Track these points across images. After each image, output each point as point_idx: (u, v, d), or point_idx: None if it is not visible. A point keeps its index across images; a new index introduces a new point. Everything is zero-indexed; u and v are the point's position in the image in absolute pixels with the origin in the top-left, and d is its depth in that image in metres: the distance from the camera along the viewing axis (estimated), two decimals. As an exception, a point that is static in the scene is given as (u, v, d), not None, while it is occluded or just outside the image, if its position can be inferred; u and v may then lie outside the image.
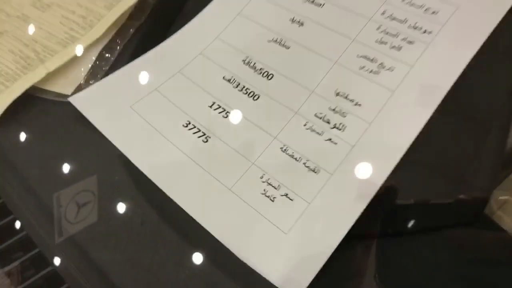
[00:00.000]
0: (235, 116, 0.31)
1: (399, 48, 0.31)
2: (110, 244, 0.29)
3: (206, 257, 0.27)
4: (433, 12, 0.32)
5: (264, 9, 0.36)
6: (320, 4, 0.35)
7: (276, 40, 0.34)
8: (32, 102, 0.33)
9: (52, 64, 0.34)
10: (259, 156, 0.29)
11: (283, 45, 0.34)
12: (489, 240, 0.28)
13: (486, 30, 0.30)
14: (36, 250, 0.29)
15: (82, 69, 0.34)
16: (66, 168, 0.31)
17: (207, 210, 0.28)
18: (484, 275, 0.26)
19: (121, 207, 0.30)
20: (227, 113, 0.32)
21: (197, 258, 0.28)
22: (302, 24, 0.35)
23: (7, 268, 0.28)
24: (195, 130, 0.31)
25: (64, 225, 0.29)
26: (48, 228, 0.29)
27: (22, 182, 0.31)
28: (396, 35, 0.32)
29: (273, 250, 0.26)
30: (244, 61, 0.34)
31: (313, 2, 0.36)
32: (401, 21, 0.32)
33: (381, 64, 0.31)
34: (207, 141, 0.31)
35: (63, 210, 0.29)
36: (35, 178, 0.31)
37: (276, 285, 0.25)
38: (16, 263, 0.28)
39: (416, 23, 0.32)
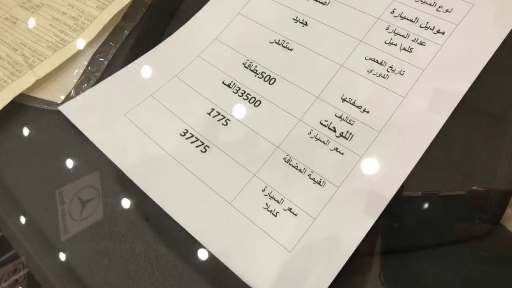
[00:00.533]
0: (236, 124, 0.29)
1: (410, 50, 0.29)
2: (114, 241, 0.27)
3: (210, 253, 0.26)
4: (447, 11, 0.30)
5: (266, 8, 0.34)
6: (325, 2, 0.33)
7: (278, 42, 0.32)
8: (19, 111, 0.32)
9: (42, 70, 0.32)
10: (261, 167, 0.27)
11: (286, 47, 0.32)
12: (497, 241, 0.26)
13: (504, 29, 0.28)
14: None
15: (74, 74, 0.32)
16: (54, 183, 0.30)
17: (205, 226, 0.26)
18: (490, 276, 0.24)
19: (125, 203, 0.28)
20: (227, 121, 0.30)
21: (203, 253, 0.26)
22: (306, 23, 0.32)
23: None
24: (193, 139, 0.29)
25: (68, 223, 0.28)
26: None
27: (8, 192, 0.30)
28: (406, 36, 0.30)
29: (276, 269, 0.24)
30: (244, 64, 0.32)
31: (317, 0, 0.33)
32: (411, 21, 0.30)
33: (391, 67, 0.29)
34: (205, 151, 0.29)
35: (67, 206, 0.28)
36: (23, 190, 0.29)
37: None
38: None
39: (427, 22, 0.30)
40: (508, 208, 0.27)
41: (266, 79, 0.31)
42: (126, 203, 0.29)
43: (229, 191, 0.27)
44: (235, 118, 0.30)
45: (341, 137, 0.27)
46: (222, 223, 0.26)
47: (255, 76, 0.31)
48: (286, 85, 0.30)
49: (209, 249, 0.25)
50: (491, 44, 0.28)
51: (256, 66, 0.32)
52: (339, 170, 0.26)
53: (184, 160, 0.29)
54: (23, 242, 0.28)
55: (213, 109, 0.30)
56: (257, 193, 0.27)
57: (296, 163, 0.27)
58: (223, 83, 0.31)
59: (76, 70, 0.33)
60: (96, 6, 0.35)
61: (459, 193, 0.26)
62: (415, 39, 0.30)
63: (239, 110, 0.30)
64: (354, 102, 0.28)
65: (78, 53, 0.33)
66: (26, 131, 0.31)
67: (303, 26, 0.32)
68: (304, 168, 0.27)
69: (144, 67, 0.33)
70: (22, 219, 0.29)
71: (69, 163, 0.30)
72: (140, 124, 0.30)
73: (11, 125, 0.31)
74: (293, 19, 0.33)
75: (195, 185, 0.27)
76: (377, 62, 0.29)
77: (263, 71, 0.31)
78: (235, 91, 0.31)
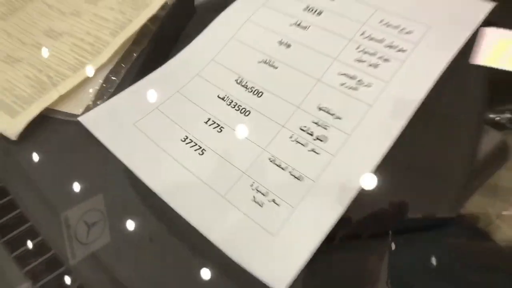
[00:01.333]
0: (228, 131, 0.34)
1: (376, 66, 0.34)
2: (121, 261, 0.31)
3: (214, 272, 0.30)
4: (407, 32, 0.35)
5: (255, 33, 0.40)
6: (306, 27, 0.39)
7: (265, 61, 0.38)
8: (45, 122, 0.37)
9: (64, 88, 0.37)
10: (249, 167, 0.32)
11: (272, 66, 0.37)
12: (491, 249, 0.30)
13: (454, 47, 0.33)
14: (51, 253, 0.32)
15: (91, 90, 0.38)
16: (76, 185, 0.35)
17: (204, 217, 0.31)
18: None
19: (130, 224, 0.33)
20: (221, 128, 0.35)
21: (206, 273, 0.30)
22: (289, 46, 0.38)
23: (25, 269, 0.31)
24: (192, 144, 0.34)
25: (75, 246, 0.32)
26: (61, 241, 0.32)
27: (37, 195, 0.35)
28: (374, 54, 0.35)
29: (262, 250, 0.29)
30: (236, 80, 0.37)
31: (299, 25, 0.39)
32: (378, 41, 0.36)
33: (360, 80, 0.34)
34: (202, 153, 0.34)
35: (73, 230, 0.33)
36: (50, 192, 0.34)
37: (265, 282, 0.27)
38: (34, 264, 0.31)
39: (392, 42, 0.35)
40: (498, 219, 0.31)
41: (254, 93, 0.36)
42: (130, 224, 0.33)
43: (223, 186, 0.32)
44: (228, 126, 0.35)
45: (317, 140, 0.32)
46: (217, 213, 0.31)
47: (245, 90, 0.36)
48: (272, 98, 0.35)
49: (206, 236, 0.30)
50: (444, 59, 0.33)
51: (246, 82, 0.37)
52: (315, 167, 0.31)
53: (185, 162, 0.33)
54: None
55: (209, 119, 0.35)
56: (246, 187, 0.31)
57: (280, 163, 0.32)
58: (218, 96, 0.37)
59: (93, 87, 0.38)
60: (110, 33, 0.41)
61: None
62: (381, 56, 0.35)
63: (232, 119, 0.35)
64: (329, 110, 0.33)
65: (95, 73, 0.39)
66: (49, 141, 0.37)
67: (286, 48, 0.38)
68: (286, 166, 0.32)
69: (150, 84, 0.39)
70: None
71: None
72: (147, 132, 0.35)
73: (40, 133, 0.36)
74: (278, 42, 0.38)
75: (194, 182, 0.32)
76: (349, 76, 0.34)
77: (252, 86, 0.36)
78: (228, 103, 0.36)
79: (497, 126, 0.40)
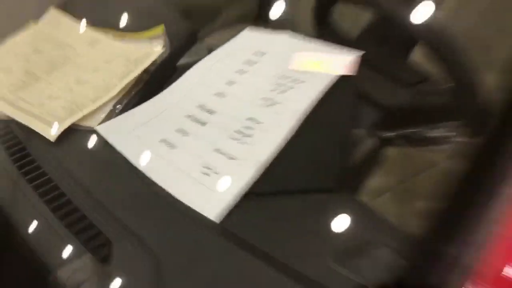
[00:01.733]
0: (191, 135, 0.55)
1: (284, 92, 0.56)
2: None
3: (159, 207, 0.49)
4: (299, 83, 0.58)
5: (202, 88, 0.62)
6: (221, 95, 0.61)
7: (216, 93, 0.59)
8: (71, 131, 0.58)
9: (87, 111, 0.58)
10: (202, 154, 0.52)
11: (221, 96, 0.59)
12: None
13: (321, 83, 0.55)
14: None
15: (104, 111, 0.59)
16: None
17: (171, 181, 0.50)
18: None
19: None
20: (186, 133, 0.55)
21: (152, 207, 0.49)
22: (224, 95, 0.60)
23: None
24: (166, 143, 0.55)
25: None
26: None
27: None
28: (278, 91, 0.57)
29: (204, 198, 0.48)
30: (197, 106, 0.59)
31: (230, 82, 0.61)
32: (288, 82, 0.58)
33: (273, 100, 0.55)
34: (172, 148, 0.54)
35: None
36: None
37: (200, 211, 0.46)
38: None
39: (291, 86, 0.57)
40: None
41: (208, 112, 0.57)
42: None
43: (185, 165, 0.51)
44: (190, 133, 0.55)
45: (245, 137, 0.53)
46: (180, 181, 0.50)
47: (202, 110, 0.57)
48: (219, 116, 0.56)
49: (169, 191, 0.49)
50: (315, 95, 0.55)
51: (204, 106, 0.58)
52: (244, 154, 0.51)
53: (161, 154, 0.53)
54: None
55: (179, 128, 0.56)
56: (199, 165, 0.51)
57: (221, 151, 0.52)
58: (184, 116, 0.58)
59: (105, 111, 0.59)
60: (117, 79, 0.63)
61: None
62: (286, 88, 0.56)
63: (192, 128, 0.56)
64: (255, 119, 0.54)
65: (107, 103, 0.60)
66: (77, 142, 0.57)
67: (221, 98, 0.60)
68: (225, 152, 0.52)
69: (144, 109, 0.60)
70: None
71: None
72: (138, 135, 0.56)
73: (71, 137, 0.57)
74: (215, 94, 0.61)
75: (167, 163, 0.52)
76: (267, 99, 0.56)
77: (208, 109, 0.58)
78: (192, 120, 0.57)
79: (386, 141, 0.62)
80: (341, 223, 0.46)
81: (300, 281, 0.40)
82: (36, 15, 0.79)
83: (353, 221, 0.46)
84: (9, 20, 0.75)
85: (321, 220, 0.46)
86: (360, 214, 0.48)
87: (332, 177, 0.50)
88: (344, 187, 0.51)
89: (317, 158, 0.52)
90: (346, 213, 0.47)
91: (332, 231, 0.46)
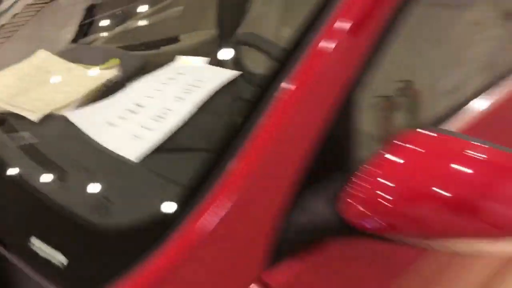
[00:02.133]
0: (127, 119, 0.86)
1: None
2: None
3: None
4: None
5: (137, 92, 0.94)
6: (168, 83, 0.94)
7: (147, 96, 0.91)
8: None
9: (60, 106, 0.89)
10: (131, 127, 0.83)
11: (150, 97, 0.91)
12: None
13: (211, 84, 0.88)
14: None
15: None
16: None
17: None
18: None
19: None
20: (123, 118, 0.86)
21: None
22: (152, 97, 0.92)
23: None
24: (108, 123, 0.85)
25: None
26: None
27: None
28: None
29: (127, 144, 0.78)
30: (133, 103, 0.90)
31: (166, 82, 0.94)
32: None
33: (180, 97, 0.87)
34: (111, 125, 0.84)
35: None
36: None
37: (122, 154, 0.76)
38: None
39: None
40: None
41: (139, 106, 0.89)
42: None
43: (114, 120, 0.82)
44: (127, 118, 0.86)
45: (162, 118, 0.84)
46: (109, 132, 0.80)
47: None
48: (146, 108, 0.88)
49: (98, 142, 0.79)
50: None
51: (137, 104, 0.90)
52: (158, 126, 0.82)
53: (101, 126, 0.84)
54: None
55: (119, 115, 0.87)
56: (126, 130, 0.81)
57: (146, 126, 0.83)
58: (124, 109, 0.89)
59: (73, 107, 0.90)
60: (87, 87, 0.95)
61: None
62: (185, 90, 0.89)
63: (128, 115, 0.87)
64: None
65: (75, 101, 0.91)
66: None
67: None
68: (148, 127, 0.82)
69: (101, 104, 0.91)
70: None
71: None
72: (92, 116, 0.87)
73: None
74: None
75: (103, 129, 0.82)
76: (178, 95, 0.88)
77: (139, 105, 0.89)
78: (128, 111, 0.88)
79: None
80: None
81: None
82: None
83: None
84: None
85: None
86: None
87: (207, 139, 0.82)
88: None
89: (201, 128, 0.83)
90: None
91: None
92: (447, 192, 0.49)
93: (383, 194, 0.53)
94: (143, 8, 1.48)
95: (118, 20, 1.43)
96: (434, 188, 0.50)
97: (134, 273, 0.53)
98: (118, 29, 1.38)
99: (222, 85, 0.88)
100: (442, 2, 0.97)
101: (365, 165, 0.57)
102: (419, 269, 0.76)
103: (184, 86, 0.92)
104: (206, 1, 1.40)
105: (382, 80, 0.70)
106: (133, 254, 0.54)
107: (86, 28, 1.36)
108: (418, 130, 0.56)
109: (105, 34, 1.35)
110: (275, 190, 0.58)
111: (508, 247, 0.53)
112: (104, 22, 1.42)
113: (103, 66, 1.05)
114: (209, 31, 1.22)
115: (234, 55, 0.99)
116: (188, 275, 0.53)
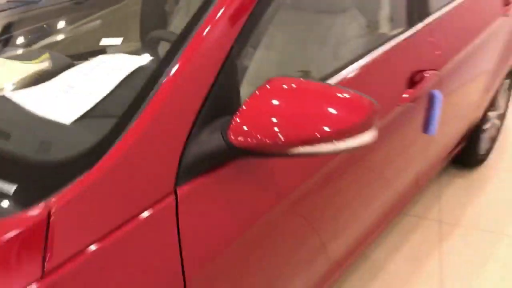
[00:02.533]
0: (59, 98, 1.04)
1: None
2: None
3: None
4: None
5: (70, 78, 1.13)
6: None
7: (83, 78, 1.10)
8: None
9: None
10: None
11: (85, 78, 1.10)
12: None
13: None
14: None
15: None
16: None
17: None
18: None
19: None
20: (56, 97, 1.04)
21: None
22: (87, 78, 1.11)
23: None
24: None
25: None
26: None
27: None
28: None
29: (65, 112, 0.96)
30: (67, 85, 1.09)
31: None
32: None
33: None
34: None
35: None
36: None
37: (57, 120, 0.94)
38: None
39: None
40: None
41: (71, 87, 1.07)
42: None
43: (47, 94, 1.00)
44: (59, 96, 1.05)
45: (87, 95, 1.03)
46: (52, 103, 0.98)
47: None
48: (75, 89, 1.07)
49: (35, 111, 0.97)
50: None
51: (69, 86, 1.09)
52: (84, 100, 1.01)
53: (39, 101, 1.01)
54: None
55: (53, 95, 1.05)
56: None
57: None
58: (59, 90, 1.07)
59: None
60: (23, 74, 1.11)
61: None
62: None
63: (60, 94, 1.05)
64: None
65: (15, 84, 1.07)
66: None
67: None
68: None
69: (40, 87, 1.08)
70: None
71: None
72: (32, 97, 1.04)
73: None
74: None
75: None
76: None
77: (70, 86, 1.08)
78: (62, 91, 1.07)
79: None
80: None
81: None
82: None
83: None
84: None
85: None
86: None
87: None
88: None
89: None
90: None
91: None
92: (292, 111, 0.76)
93: (259, 115, 0.78)
94: (63, 24, 1.62)
95: (39, 35, 1.56)
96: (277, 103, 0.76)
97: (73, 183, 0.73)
98: (42, 43, 1.52)
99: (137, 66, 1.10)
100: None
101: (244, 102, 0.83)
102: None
103: (107, 70, 1.12)
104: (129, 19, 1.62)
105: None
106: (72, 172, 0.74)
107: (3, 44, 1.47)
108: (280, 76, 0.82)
109: (27, 48, 1.47)
110: (177, 128, 0.82)
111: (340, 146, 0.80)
112: (24, 38, 1.54)
113: (36, 61, 1.22)
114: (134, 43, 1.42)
115: (149, 46, 1.22)
116: (119, 180, 0.74)
